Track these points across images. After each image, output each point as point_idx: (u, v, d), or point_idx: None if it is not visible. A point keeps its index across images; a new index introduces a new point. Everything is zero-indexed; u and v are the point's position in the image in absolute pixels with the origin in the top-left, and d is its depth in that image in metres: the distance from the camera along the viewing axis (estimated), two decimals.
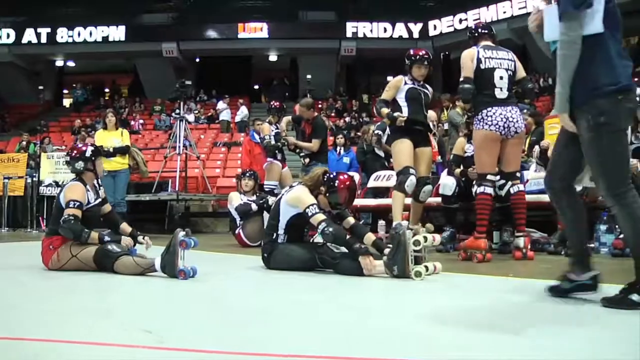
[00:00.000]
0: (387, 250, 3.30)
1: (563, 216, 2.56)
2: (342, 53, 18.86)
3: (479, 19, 17.30)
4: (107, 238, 3.43)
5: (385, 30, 18.69)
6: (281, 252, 3.60)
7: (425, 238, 3.25)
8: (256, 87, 22.27)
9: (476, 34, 4.36)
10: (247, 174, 6.16)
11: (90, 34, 18.58)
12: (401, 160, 4.56)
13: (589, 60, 2.30)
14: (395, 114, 4.51)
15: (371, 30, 18.62)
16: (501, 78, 4.11)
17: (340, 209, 3.63)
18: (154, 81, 19.04)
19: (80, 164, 3.65)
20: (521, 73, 4.31)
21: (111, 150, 6.81)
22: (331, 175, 3.63)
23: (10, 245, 6.40)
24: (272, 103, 7.03)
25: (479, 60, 4.12)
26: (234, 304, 2.57)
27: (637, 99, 2.57)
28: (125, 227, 3.77)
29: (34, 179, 8.61)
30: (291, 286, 3.15)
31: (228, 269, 4.03)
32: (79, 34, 18.61)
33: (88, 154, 3.68)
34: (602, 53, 2.30)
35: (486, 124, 4.06)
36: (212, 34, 19.10)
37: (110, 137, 6.94)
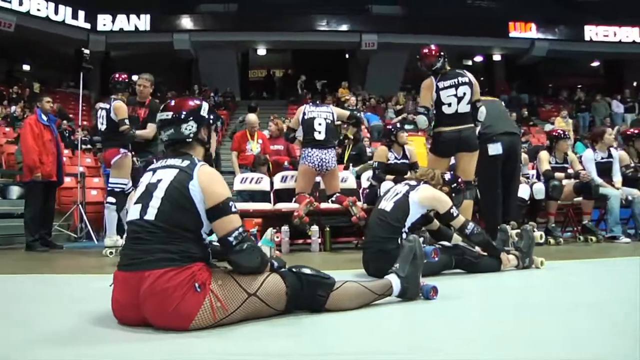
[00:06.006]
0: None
1: None
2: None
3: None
4: (276, 263, 2.05)
5: (47, 8, 15.69)
6: None
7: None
8: None
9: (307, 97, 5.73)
10: None
11: None
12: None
13: None
14: None
15: (38, 9, 15.35)
16: (319, 124, 5.09)
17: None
18: None
19: (191, 126, 2.05)
20: (343, 115, 5.45)
21: None
22: (449, 175, 3.42)
23: None
24: (117, 76, 5.18)
25: (304, 114, 5.19)
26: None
27: None
28: None
29: None
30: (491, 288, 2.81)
31: None
32: None
33: (204, 111, 2.08)
34: None
35: (306, 160, 5.06)
36: None
37: None
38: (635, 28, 17.37)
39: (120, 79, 5.16)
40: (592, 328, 1.85)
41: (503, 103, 5.55)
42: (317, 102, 5.50)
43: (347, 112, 5.66)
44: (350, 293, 2.10)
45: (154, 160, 4.54)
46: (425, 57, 4.31)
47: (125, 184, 4.99)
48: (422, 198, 3.06)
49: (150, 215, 1.88)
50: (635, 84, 18.37)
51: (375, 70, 18.20)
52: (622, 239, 5.26)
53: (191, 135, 2.03)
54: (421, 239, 2.34)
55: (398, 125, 5.72)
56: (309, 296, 1.99)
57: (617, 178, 5.57)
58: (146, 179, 1.99)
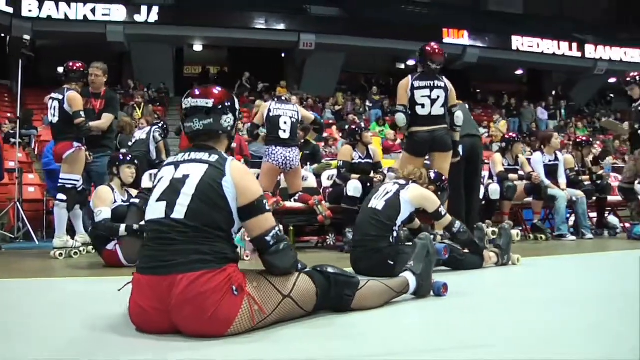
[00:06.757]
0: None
1: None
2: None
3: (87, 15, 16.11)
4: (299, 265, 1.99)
5: None
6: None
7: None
8: None
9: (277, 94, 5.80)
10: (129, 159, 4.25)
11: None
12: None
13: None
14: None
15: None
16: (285, 123, 5.07)
17: None
18: None
19: (230, 119, 1.95)
20: (308, 118, 5.43)
21: None
22: (433, 174, 3.50)
23: None
24: (71, 64, 4.84)
25: (269, 111, 5.11)
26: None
27: None
28: None
29: None
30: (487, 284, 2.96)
31: None
32: None
33: (237, 104, 2.02)
34: None
35: (270, 158, 5.00)
36: None
37: None
38: (555, 42, 18.60)
39: (75, 67, 4.82)
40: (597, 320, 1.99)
41: (467, 106, 5.76)
42: (284, 99, 5.46)
43: (312, 116, 5.66)
44: (374, 292, 2.09)
45: (121, 157, 4.36)
46: (435, 54, 4.43)
47: (77, 180, 4.70)
48: (413, 197, 3.12)
49: (179, 213, 1.76)
50: (554, 92, 19.63)
51: (311, 71, 18.25)
52: (568, 237, 5.63)
53: (229, 127, 1.95)
54: (432, 237, 2.37)
55: (363, 125, 5.77)
56: (336, 296, 1.96)
57: (562, 180, 5.94)
58: (168, 174, 1.87)
